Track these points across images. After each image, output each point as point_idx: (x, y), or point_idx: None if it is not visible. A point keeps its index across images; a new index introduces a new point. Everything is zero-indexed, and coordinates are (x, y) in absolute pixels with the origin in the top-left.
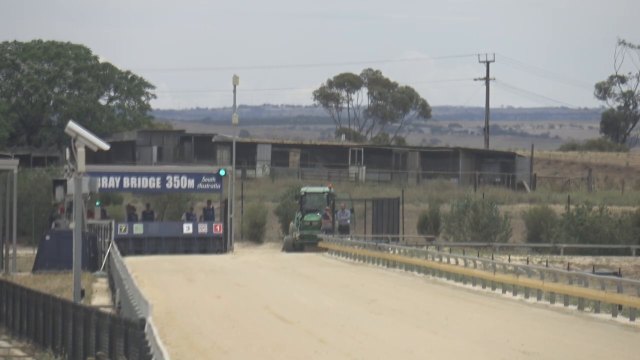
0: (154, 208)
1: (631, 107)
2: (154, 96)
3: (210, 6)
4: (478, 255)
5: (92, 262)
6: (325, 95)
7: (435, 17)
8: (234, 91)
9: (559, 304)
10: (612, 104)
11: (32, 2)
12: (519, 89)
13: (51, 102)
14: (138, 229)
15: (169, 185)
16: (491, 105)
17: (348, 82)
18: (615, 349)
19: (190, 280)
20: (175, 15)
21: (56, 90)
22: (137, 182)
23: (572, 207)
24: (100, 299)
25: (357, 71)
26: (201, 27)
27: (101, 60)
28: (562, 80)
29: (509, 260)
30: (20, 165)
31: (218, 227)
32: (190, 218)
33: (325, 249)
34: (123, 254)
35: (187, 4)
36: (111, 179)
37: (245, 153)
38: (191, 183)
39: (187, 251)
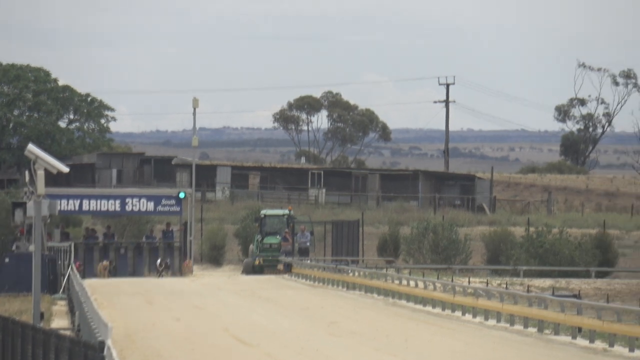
0: (114, 230)
1: (591, 129)
2: (114, 119)
3: (170, 29)
4: (438, 278)
5: (51, 284)
6: (285, 118)
7: (394, 40)
8: (194, 114)
9: (518, 327)
10: (571, 126)
11: None
12: (478, 111)
13: (10, 125)
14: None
15: (128, 208)
16: (451, 128)
17: (308, 104)
18: None
19: (149, 302)
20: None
21: (16, 112)
22: (96, 204)
23: (531, 229)
24: (60, 322)
25: (317, 94)
26: (161, 50)
27: (61, 82)
28: (522, 102)
29: (469, 282)
30: None
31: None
32: (149, 240)
33: (285, 272)
34: (83, 276)
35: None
36: (71, 201)
37: (205, 175)
38: (151, 205)
39: (148, 273)
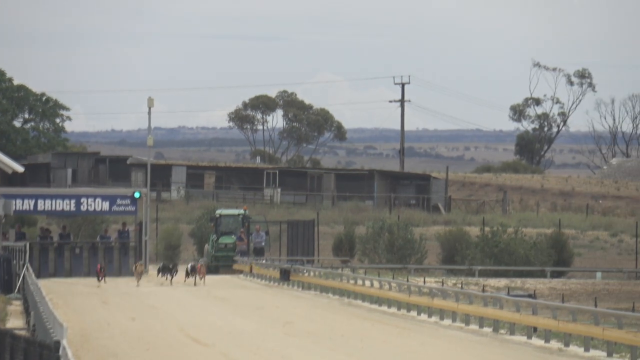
0: (70, 230)
1: (546, 129)
2: (69, 118)
3: (125, 28)
4: (393, 278)
5: (6, 284)
6: (240, 118)
7: (349, 40)
8: (149, 113)
9: (474, 326)
10: (527, 126)
11: None
12: (434, 111)
13: None
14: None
15: (83, 208)
16: (406, 127)
17: (263, 104)
18: None
19: (104, 302)
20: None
21: None
22: (51, 204)
23: (487, 229)
24: (15, 322)
25: (272, 93)
26: (116, 49)
27: (16, 82)
28: (477, 102)
29: (424, 282)
30: None
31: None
32: (104, 240)
33: (241, 271)
34: (38, 276)
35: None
36: (26, 201)
37: (160, 175)
38: (106, 205)
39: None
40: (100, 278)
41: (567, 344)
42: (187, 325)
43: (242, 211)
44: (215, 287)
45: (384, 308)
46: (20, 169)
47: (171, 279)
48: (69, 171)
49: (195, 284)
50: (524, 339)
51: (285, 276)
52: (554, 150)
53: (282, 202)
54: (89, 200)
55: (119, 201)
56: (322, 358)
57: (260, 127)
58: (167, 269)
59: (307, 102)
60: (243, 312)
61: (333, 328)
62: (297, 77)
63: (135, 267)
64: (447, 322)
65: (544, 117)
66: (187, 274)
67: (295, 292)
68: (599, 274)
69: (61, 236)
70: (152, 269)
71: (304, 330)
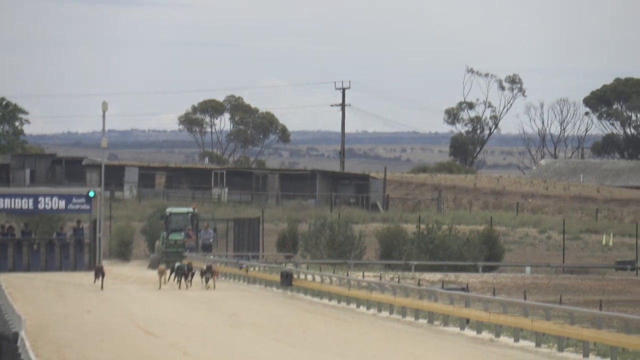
0: (30, 228)
1: (478, 131)
2: (27, 121)
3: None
4: (334, 272)
5: None
6: (189, 121)
7: (292, 46)
8: (103, 116)
9: (410, 318)
10: (460, 128)
11: None
12: (373, 114)
13: None
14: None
15: (41, 206)
16: (347, 130)
17: (211, 107)
18: (459, 359)
19: (61, 296)
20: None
21: None
22: (10, 203)
23: (422, 226)
24: None
25: (220, 98)
26: (72, 56)
27: None
28: (414, 106)
29: (363, 276)
30: None
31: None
32: (60, 237)
33: None
34: None
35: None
36: None
37: (114, 175)
38: (62, 204)
39: (59, 268)
40: (97, 279)
41: (498, 335)
42: (140, 317)
43: (191, 209)
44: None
45: (325, 301)
46: None
47: (191, 279)
48: (27, 172)
49: (207, 287)
50: (457, 330)
51: (287, 280)
52: (486, 152)
53: (229, 201)
54: (46, 199)
55: (74, 200)
56: (267, 348)
57: (208, 129)
58: (182, 271)
59: (253, 106)
60: (192, 305)
61: (277, 320)
62: (244, 83)
63: (160, 269)
64: (385, 314)
65: (476, 120)
66: (202, 275)
67: (242, 285)
68: (528, 269)
69: (23, 233)
70: (106, 265)
71: (250, 322)
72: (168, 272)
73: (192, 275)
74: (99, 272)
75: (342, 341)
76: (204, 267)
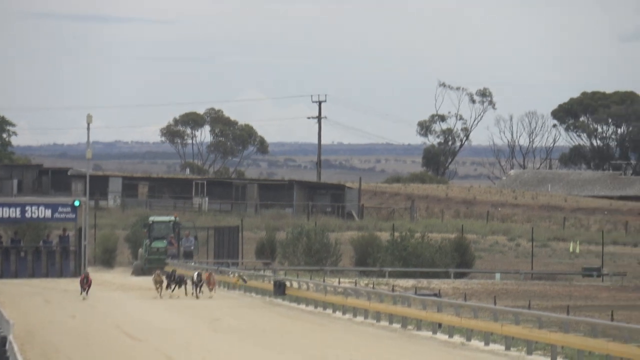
0: (20, 236)
1: (450, 143)
2: (15, 133)
3: (65, 50)
4: (311, 278)
5: None
6: (171, 133)
7: (271, 61)
8: (88, 129)
9: (384, 323)
10: (432, 140)
11: None
12: (348, 126)
13: None
14: None
15: (28, 215)
16: (323, 142)
17: (192, 120)
18: None
19: (47, 301)
20: (33, 58)
21: None
22: None
23: (396, 234)
24: None
25: (201, 110)
26: (57, 69)
27: None
28: (388, 118)
29: (339, 282)
30: None
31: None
32: (46, 244)
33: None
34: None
35: (44, 48)
36: None
37: (98, 185)
38: (48, 213)
39: (46, 274)
40: (84, 289)
41: (469, 339)
42: (123, 322)
43: (172, 218)
44: (148, 287)
45: (302, 306)
46: None
47: (191, 288)
48: (15, 182)
49: (199, 296)
50: (429, 334)
51: (281, 290)
52: (457, 163)
53: (209, 210)
54: (33, 208)
55: (60, 209)
56: (246, 352)
57: (189, 141)
58: (180, 280)
59: (232, 118)
60: (174, 310)
61: (256, 325)
62: (224, 96)
63: (155, 276)
64: (360, 319)
65: (448, 132)
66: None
67: (222, 292)
68: (497, 275)
69: (12, 241)
70: (90, 272)
71: (230, 327)
72: (165, 280)
73: (185, 284)
74: (84, 283)
75: (319, 345)
76: (195, 275)
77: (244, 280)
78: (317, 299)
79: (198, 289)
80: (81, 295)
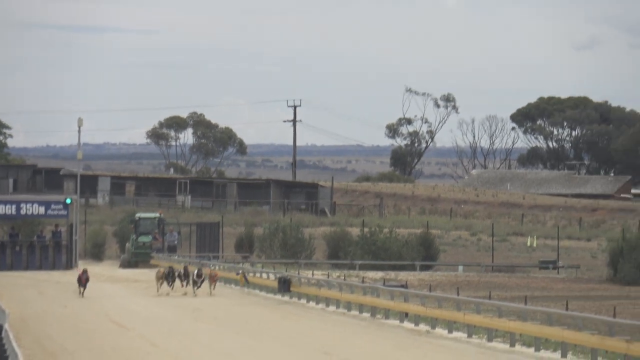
0: (17, 231)
1: (416, 144)
2: (10, 135)
3: (58, 57)
4: (286, 271)
5: None
6: (156, 135)
7: (248, 68)
8: (79, 131)
9: (354, 312)
10: (400, 142)
11: None
12: (321, 129)
13: None
14: None
15: (23, 212)
16: (298, 143)
17: (176, 123)
18: (400, 350)
19: (41, 292)
20: (28, 65)
21: None
22: None
23: (366, 229)
24: None
25: (184, 114)
26: (50, 76)
27: None
28: (358, 121)
29: (313, 274)
30: None
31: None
32: (40, 239)
33: (156, 266)
34: None
35: (39, 55)
36: None
37: (88, 184)
38: (42, 210)
39: (39, 267)
40: (81, 285)
41: (433, 327)
42: (112, 312)
43: (157, 215)
44: (135, 279)
45: (279, 297)
46: None
47: (193, 284)
48: (11, 181)
49: (196, 294)
50: (397, 322)
51: (285, 286)
52: (423, 163)
53: (192, 207)
54: (28, 205)
55: (53, 206)
56: (227, 340)
57: (173, 143)
58: (171, 275)
59: (213, 122)
60: (159, 300)
61: (236, 315)
62: (205, 101)
63: (157, 272)
64: (332, 308)
65: (414, 135)
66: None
67: (204, 283)
68: (460, 268)
69: (11, 235)
70: (81, 264)
71: (212, 317)
72: (163, 279)
73: (187, 279)
74: (82, 280)
75: (294, 333)
76: (195, 272)
77: (246, 279)
78: (294, 290)
79: (197, 286)
80: (79, 291)
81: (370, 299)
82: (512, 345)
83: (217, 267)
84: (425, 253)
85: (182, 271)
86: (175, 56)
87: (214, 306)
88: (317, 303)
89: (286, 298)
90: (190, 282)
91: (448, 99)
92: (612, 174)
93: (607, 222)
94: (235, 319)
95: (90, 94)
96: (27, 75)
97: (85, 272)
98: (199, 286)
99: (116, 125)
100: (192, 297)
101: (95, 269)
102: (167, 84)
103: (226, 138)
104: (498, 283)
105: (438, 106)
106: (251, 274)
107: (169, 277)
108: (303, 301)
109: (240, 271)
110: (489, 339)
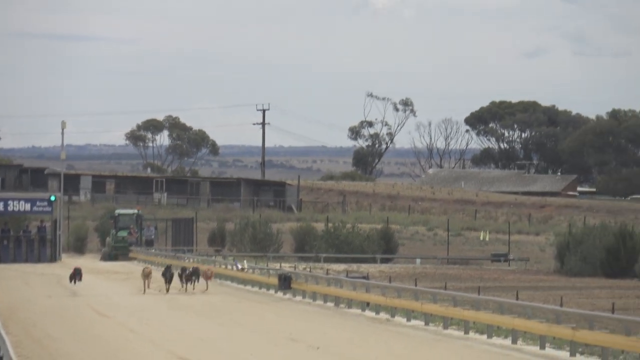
0: (9, 226)
1: (377, 146)
2: None
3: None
4: (255, 263)
5: None
6: (134, 137)
7: (221, 74)
8: (62, 133)
9: (319, 302)
10: (362, 143)
11: None
12: (288, 131)
13: None
14: None
15: (10, 208)
16: (266, 145)
17: (153, 126)
18: (362, 336)
19: (27, 283)
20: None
21: None
22: None
23: (330, 225)
24: None
25: (160, 117)
26: (36, 81)
27: None
28: (323, 124)
29: (280, 266)
30: None
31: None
32: (26, 234)
33: (135, 258)
34: None
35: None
36: None
37: (71, 183)
38: (28, 206)
39: (26, 260)
40: (72, 281)
41: (393, 315)
42: (93, 301)
43: (136, 211)
44: (114, 270)
45: (248, 287)
46: None
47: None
48: None
49: (193, 291)
50: (359, 311)
51: (286, 283)
52: (383, 163)
53: (167, 204)
54: (15, 202)
55: (38, 203)
56: (200, 326)
57: (150, 144)
58: (168, 272)
59: (188, 124)
60: (137, 290)
61: (208, 303)
62: (180, 105)
63: (143, 270)
64: (299, 298)
65: (375, 137)
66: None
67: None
68: (418, 260)
69: (3, 231)
70: (65, 257)
71: (186, 305)
72: (152, 274)
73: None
74: (76, 275)
75: (262, 321)
76: (190, 269)
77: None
78: (261, 281)
79: (193, 283)
80: (70, 284)
81: (334, 289)
82: (467, 332)
83: (214, 264)
84: (385, 247)
85: (188, 270)
86: (152, 64)
87: (187, 296)
88: (285, 294)
89: (255, 288)
90: (184, 279)
91: (406, 104)
92: (559, 173)
93: (554, 217)
94: (207, 307)
95: (73, 99)
96: (14, 81)
97: (79, 270)
98: (194, 284)
99: (97, 127)
100: (188, 294)
101: (78, 262)
102: (144, 89)
103: (199, 140)
104: (453, 275)
105: (397, 110)
106: (250, 271)
107: (166, 274)
108: (272, 291)
109: (241, 266)
110: (445, 327)
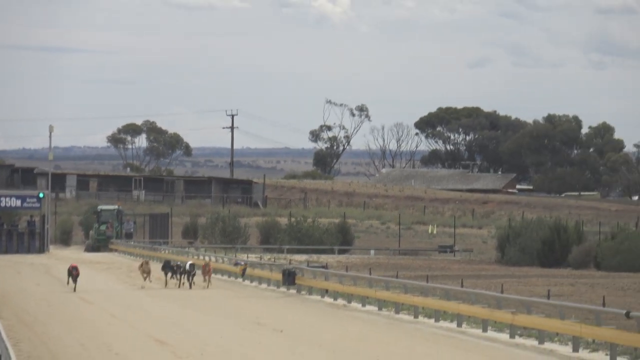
0: (3, 221)
1: (335, 147)
2: None
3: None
4: (225, 254)
5: None
6: (115, 139)
7: (193, 82)
8: (50, 136)
9: (283, 289)
10: (321, 145)
11: None
12: (255, 134)
13: None
14: None
15: (2, 205)
16: (235, 146)
17: (132, 129)
18: (322, 320)
19: (18, 272)
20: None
21: None
22: None
23: (292, 219)
24: None
25: (139, 122)
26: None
27: None
28: (286, 128)
29: (247, 257)
30: None
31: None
32: (16, 227)
33: (115, 250)
34: None
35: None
36: None
37: (58, 181)
38: (18, 203)
39: (16, 251)
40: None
41: (349, 302)
42: (79, 288)
43: (116, 207)
44: (97, 261)
45: (219, 276)
46: None
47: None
48: None
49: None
50: (318, 297)
51: (290, 279)
52: (341, 163)
53: (145, 200)
54: (6, 199)
55: (28, 200)
56: (176, 312)
57: (129, 146)
58: (169, 268)
59: (164, 128)
60: (117, 278)
61: (183, 290)
62: (157, 110)
63: (142, 265)
64: (264, 285)
65: (333, 139)
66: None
67: (155, 264)
68: (372, 251)
69: None
70: (52, 249)
71: (162, 292)
72: (152, 269)
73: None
74: (72, 273)
75: (234, 307)
76: (187, 265)
77: (243, 272)
78: (230, 270)
79: (191, 279)
80: (68, 284)
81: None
82: (416, 316)
83: (210, 259)
84: (342, 239)
85: (185, 266)
86: (131, 72)
87: (161, 283)
88: (251, 281)
89: (225, 277)
90: (179, 275)
91: (362, 109)
92: (500, 172)
93: (495, 212)
94: (182, 295)
95: (60, 105)
96: (6, 88)
97: (76, 267)
98: (191, 279)
99: (82, 131)
100: (186, 289)
101: (64, 253)
102: (124, 96)
103: (174, 142)
104: (404, 264)
105: (353, 115)
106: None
107: (166, 268)
108: (239, 280)
109: (243, 262)
110: (397, 312)
